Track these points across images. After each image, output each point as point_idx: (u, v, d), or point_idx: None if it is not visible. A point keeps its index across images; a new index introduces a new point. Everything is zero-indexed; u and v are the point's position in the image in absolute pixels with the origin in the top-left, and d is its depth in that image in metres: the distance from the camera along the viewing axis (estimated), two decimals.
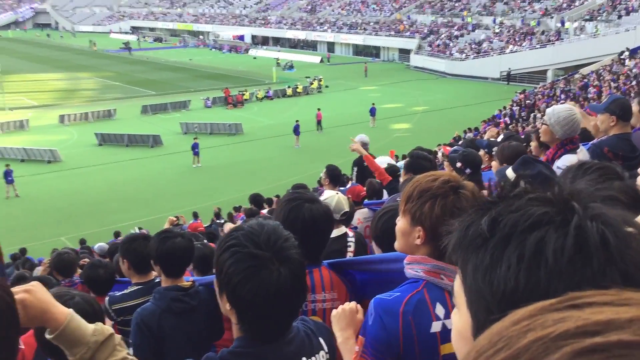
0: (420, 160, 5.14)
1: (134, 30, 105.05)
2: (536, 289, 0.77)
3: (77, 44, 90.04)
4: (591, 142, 4.77)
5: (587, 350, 0.43)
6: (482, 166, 5.47)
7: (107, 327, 1.77)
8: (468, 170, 4.82)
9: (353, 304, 2.25)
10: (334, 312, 2.24)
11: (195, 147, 29.43)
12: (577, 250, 0.77)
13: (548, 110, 4.40)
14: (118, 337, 1.78)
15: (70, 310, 1.70)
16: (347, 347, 2.13)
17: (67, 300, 2.32)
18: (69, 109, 42.37)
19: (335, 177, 7.10)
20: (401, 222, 2.04)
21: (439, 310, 1.89)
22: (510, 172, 3.50)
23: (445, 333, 1.85)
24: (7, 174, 25.33)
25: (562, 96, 33.69)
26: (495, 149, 5.57)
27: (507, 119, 31.27)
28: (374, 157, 7.58)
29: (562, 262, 0.77)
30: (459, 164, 5.03)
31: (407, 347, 1.90)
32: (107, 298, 4.11)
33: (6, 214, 23.62)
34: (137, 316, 3.14)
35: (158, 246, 3.39)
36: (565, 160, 3.97)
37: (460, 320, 0.92)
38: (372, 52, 72.55)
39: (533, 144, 5.28)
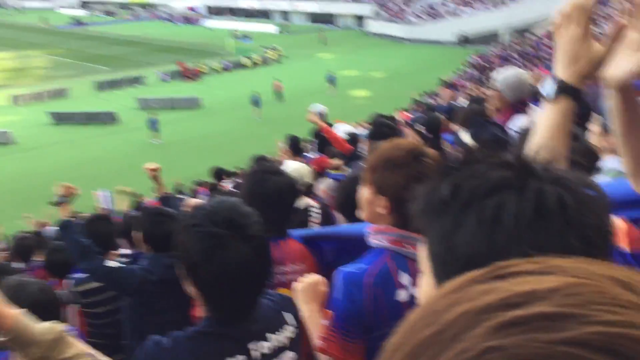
0: (382, 128, 5.15)
1: (84, 4, 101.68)
2: (496, 254, 0.75)
3: (26, 21, 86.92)
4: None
5: (508, 323, 0.42)
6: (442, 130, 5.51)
7: (57, 325, 1.75)
8: (429, 135, 4.87)
9: (316, 276, 2.23)
10: (297, 285, 2.21)
11: (154, 123, 28.91)
12: (535, 214, 0.78)
13: (497, 75, 4.46)
14: (69, 333, 1.76)
15: (18, 311, 1.67)
16: (313, 321, 2.12)
17: (20, 291, 2.28)
18: (21, 89, 41.04)
19: (296, 148, 7.11)
20: (366, 192, 2.04)
21: (404, 279, 1.91)
22: (465, 136, 3.54)
23: (412, 301, 1.87)
24: None
25: (516, 56, 34.07)
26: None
27: (465, 82, 31.53)
28: (331, 125, 7.58)
29: (520, 227, 0.77)
30: (420, 129, 5.07)
31: (375, 318, 1.92)
32: (71, 281, 4.06)
33: None
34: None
35: (153, 229, 3.48)
36: (517, 122, 4.04)
37: (426, 285, 0.93)
38: (329, 19, 71.90)
39: (489, 106, 5.36)
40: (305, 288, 2.19)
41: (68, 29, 77.18)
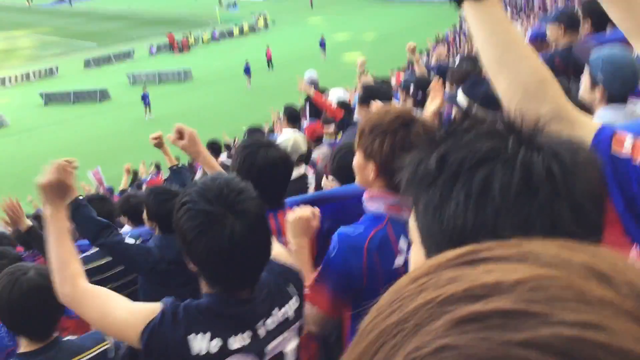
0: (373, 92, 5.11)
1: None
2: (484, 227, 0.76)
3: (9, 1, 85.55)
4: (541, 54, 4.80)
5: (465, 319, 0.39)
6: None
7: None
8: (420, 95, 4.83)
9: (309, 209, 2.24)
10: (289, 216, 2.22)
11: (145, 98, 28.69)
12: (522, 186, 0.76)
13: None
14: None
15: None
16: (300, 257, 2.15)
17: (20, 276, 2.28)
18: (8, 70, 40.63)
19: (293, 117, 7.06)
20: (357, 158, 2.05)
21: (403, 244, 1.92)
22: (460, 95, 3.51)
23: (408, 266, 1.88)
24: None
25: (508, 9, 33.67)
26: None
27: (456, 37, 31.19)
28: (323, 92, 7.52)
29: (508, 199, 0.76)
30: (411, 89, 5.02)
31: (370, 282, 1.93)
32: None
33: None
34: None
35: (158, 207, 3.47)
36: None
37: (416, 254, 0.93)
38: None
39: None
40: (298, 222, 2.20)
41: (52, 6, 76.06)
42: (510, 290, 0.41)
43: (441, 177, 0.81)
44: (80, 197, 3.41)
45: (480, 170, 0.78)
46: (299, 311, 1.89)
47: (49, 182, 1.92)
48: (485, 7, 1.33)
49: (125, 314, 1.70)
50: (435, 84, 3.15)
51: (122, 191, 9.95)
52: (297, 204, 2.89)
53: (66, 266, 1.86)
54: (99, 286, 1.87)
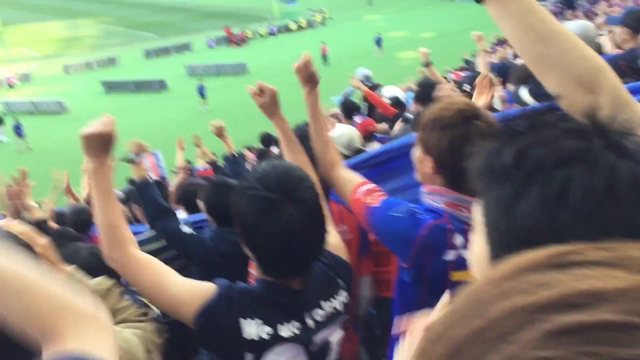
0: (429, 89, 5.04)
1: None
2: (557, 232, 0.71)
3: None
4: (605, 56, 4.64)
5: (565, 329, 0.36)
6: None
7: (108, 280, 1.87)
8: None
9: (308, 56, 2.35)
10: (294, 65, 2.34)
11: (201, 90, 29.22)
12: (605, 192, 0.70)
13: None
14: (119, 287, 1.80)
15: (72, 267, 1.77)
16: (310, 101, 2.33)
17: (72, 254, 2.33)
18: (72, 58, 41.99)
19: (348, 111, 7.05)
20: (416, 151, 2.01)
21: (457, 240, 1.87)
22: (525, 94, 3.42)
23: (459, 262, 1.83)
24: (18, 128, 25.40)
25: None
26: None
27: None
28: (374, 88, 7.45)
29: (588, 205, 0.71)
30: (467, 87, 4.93)
31: (412, 256, 1.91)
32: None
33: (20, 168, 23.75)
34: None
35: (215, 200, 3.44)
36: None
37: (477, 247, 0.89)
38: None
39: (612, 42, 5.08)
40: (301, 66, 2.31)
41: None
42: (613, 299, 0.37)
43: (517, 173, 0.76)
44: (147, 178, 3.45)
45: (560, 171, 0.73)
46: (346, 304, 1.87)
47: (94, 133, 1.81)
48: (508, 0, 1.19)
49: (181, 290, 1.69)
50: (481, 79, 3.03)
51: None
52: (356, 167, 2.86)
53: (115, 229, 1.79)
54: (151, 256, 1.82)
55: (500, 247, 0.80)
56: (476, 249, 0.90)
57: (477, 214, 0.88)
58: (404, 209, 1.96)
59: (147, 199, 3.25)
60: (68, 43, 49.88)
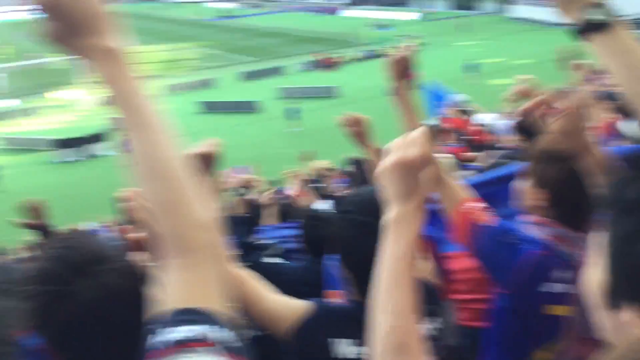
0: (526, 121, 4.93)
1: None
2: None
3: (179, 15, 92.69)
4: None
5: None
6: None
7: None
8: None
9: (404, 52, 2.36)
10: (389, 57, 2.35)
11: (294, 112, 29.92)
12: None
13: None
14: None
15: None
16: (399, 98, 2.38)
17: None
18: (173, 79, 44.01)
19: (432, 137, 7.02)
20: (526, 183, 1.99)
21: (557, 274, 1.84)
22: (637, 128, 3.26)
23: (555, 296, 1.80)
24: (127, 144, 26.83)
25: None
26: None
27: None
28: (466, 112, 7.31)
29: None
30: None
31: (516, 290, 1.88)
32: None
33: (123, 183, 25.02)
34: None
35: (310, 232, 3.54)
36: None
37: (595, 276, 0.87)
38: (471, 4, 69.52)
39: None
40: (396, 59, 2.34)
41: (216, 21, 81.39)
42: None
43: None
44: (241, 215, 3.57)
45: None
46: (441, 329, 1.87)
47: (198, 153, 1.94)
48: (613, 38, 1.19)
49: (279, 305, 1.75)
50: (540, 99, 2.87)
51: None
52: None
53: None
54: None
55: (619, 281, 0.79)
56: (594, 278, 0.89)
57: (597, 245, 0.87)
58: (516, 235, 1.95)
59: (236, 237, 3.43)
60: (170, 65, 52.36)
